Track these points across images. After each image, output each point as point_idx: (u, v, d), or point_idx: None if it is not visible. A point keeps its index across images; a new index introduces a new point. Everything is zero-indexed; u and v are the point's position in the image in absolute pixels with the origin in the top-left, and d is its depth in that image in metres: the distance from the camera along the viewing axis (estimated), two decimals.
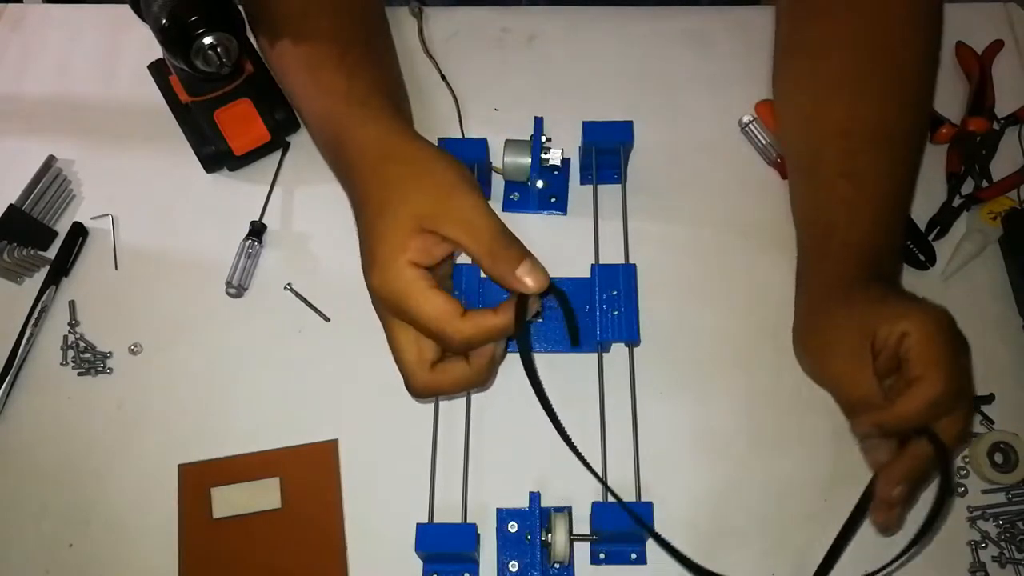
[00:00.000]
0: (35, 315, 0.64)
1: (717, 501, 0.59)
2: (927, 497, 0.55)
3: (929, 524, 0.52)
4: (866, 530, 0.58)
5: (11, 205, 0.66)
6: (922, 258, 0.65)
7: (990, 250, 0.66)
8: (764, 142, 0.69)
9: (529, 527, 0.56)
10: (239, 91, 0.68)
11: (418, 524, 0.55)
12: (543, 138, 0.65)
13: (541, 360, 0.63)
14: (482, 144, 0.66)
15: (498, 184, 0.69)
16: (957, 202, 0.67)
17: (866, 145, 0.60)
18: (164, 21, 0.55)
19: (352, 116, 0.56)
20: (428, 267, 0.51)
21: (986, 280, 0.65)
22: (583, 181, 0.70)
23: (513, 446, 0.60)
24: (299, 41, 0.61)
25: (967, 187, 0.68)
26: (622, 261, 0.63)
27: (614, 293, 0.60)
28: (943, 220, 0.67)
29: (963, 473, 0.59)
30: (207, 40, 0.56)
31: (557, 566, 0.57)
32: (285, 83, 0.64)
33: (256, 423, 0.61)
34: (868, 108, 0.60)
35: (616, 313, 0.60)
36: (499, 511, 0.58)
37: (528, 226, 0.68)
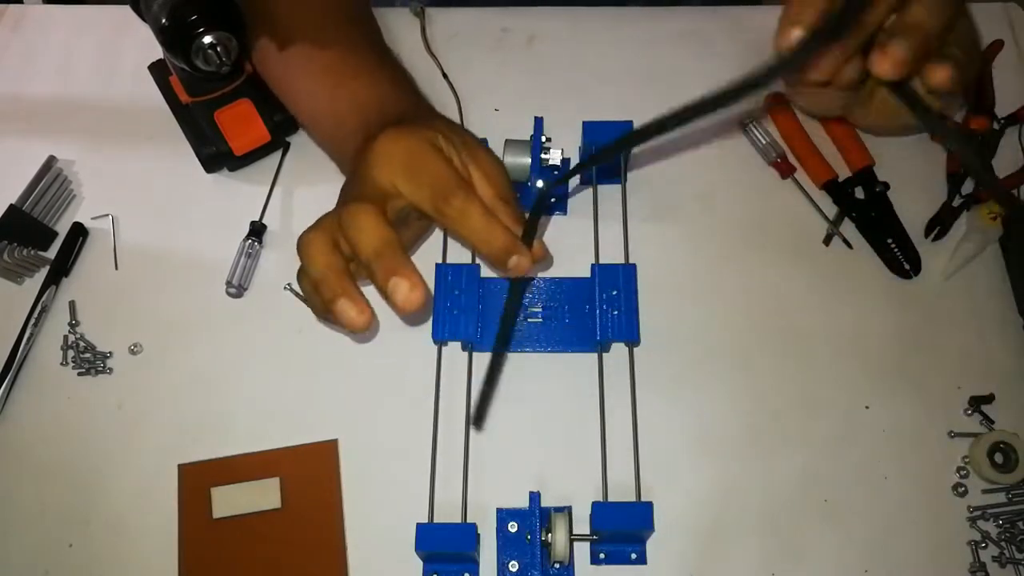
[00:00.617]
0: (35, 315, 0.64)
1: (717, 501, 0.59)
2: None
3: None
4: (867, 531, 0.58)
5: (11, 205, 0.66)
6: (907, 267, 0.65)
7: (990, 250, 0.66)
8: (763, 142, 0.69)
9: (529, 527, 0.56)
10: (239, 91, 0.68)
11: (418, 524, 0.55)
12: (543, 138, 0.64)
13: (541, 360, 0.63)
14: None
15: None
16: (957, 202, 0.67)
17: None
18: (164, 20, 0.55)
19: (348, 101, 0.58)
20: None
21: (986, 280, 0.65)
22: (583, 181, 0.70)
23: (513, 446, 0.60)
24: (297, 43, 0.62)
25: (967, 187, 0.68)
26: (622, 261, 0.63)
27: (614, 293, 0.60)
28: (943, 220, 0.67)
29: (963, 473, 0.59)
30: (207, 39, 0.56)
31: (557, 566, 0.57)
32: (282, 85, 0.64)
33: (256, 423, 0.61)
34: None
35: (616, 313, 0.60)
36: (499, 511, 0.58)
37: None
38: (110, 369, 0.63)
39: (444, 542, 0.54)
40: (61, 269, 0.66)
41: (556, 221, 0.69)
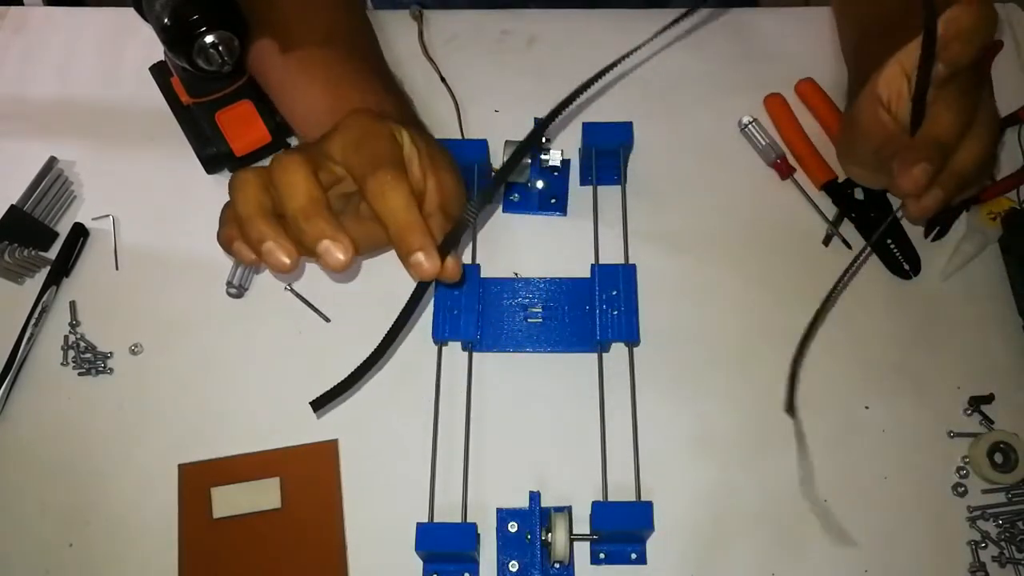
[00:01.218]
0: (36, 315, 0.64)
1: (717, 501, 0.59)
2: None
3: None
4: (867, 531, 0.58)
5: (12, 206, 0.66)
6: (906, 267, 0.65)
7: (990, 250, 0.66)
8: (764, 143, 0.70)
9: (529, 527, 0.56)
10: (240, 92, 0.68)
11: (418, 524, 0.55)
12: (543, 139, 0.65)
13: (541, 360, 0.63)
14: (482, 145, 0.66)
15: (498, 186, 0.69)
16: (956, 202, 0.67)
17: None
18: (166, 20, 0.56)
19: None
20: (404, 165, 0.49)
21: (986, 280, 0.65)
22: (583, 182, 0.70)
23: (513, 446, 0.60)
24: (286, 42, 0.62)
25: None
26: (622, 261, 0.63)
27: (614, 293, 0.61)
28: (943, 220, 0.67)
29: (963, 473, 0.59)
30: (209, 39, 0.56)
31: (557, 566, 0.57)
32: (279, 94, 0.64)
33: (256, 423, 0.61)
34: None
35: (616, 313, 0.60)
36: (499, 511, 0.58)
37: (528, 227, 0.68)
38: (110, 369, 0.63)
39: (444, 542, 0.55)
40: (62, 269, 0.66)
41: (556, 221, 0.69)
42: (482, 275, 0.63)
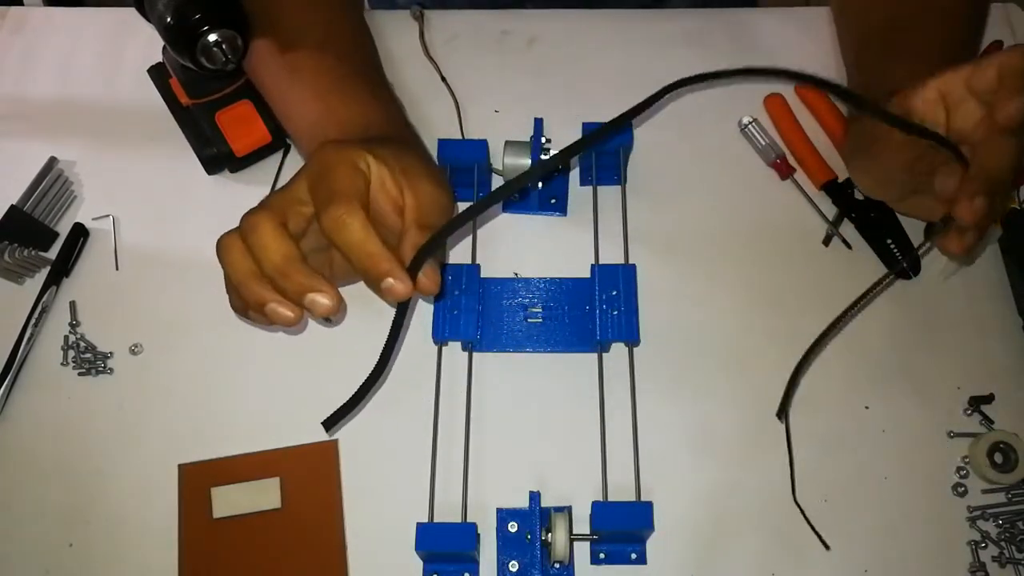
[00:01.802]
0: (36, 315, 0.64)
1: (717, 501, 0.59)
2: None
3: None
4: (867, 531, 0.58)
5: (12, 206, 0.66)
6: (906, 267, 0.65)
7: (990, 250, 0.66)
8: (763, 143, 0.70)
9: (529, 527, 0.56)
10: (240, 92, 0.68)
11: (418, 524, 0.55)
12: (543, 139, 0.65)
13: (541, 360, 0.63)
14: (482, 145, 0.66)
15: (498, 185, 0.69)
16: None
17: (910, 23, 0.62)
18: (169, 19, 0.56)
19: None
20: (367, 188, 0.49)
21: (986, 280, 0.65)
22: (583, 182, 0.70)
23: (513, 446, 0.60)
24: (279, 45, 0.62)
25: None
26: (622, 261, 0.63)
27: (614, 293, 0.61)
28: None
29: (963, 473, 0.59)
30: (212, 37, 0.56)
31: (557, 566, 0.57)
32: (272, 97, 0.64)
33: (256, 423, 0.61)
34: None
35: (616, 313, 0.60)
36: (499, 511, 0.58)
37: (528, 227, 0.68)
38: (110, 369, 0.63)
39: (444, 542, 0.55)
40: (62, 269, 0.66)
41: (556, 221, 0.69)
42: (482, 275, 0.63)
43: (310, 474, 0.60)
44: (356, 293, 0.63)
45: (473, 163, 0.66)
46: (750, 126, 0.70)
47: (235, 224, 0.67)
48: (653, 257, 0.66)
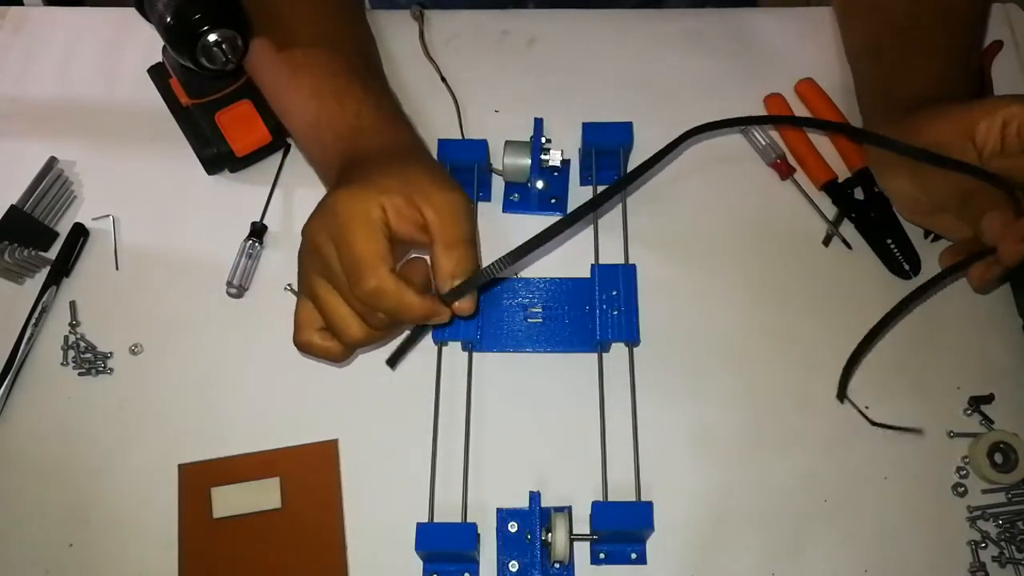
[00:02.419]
0: (36, 315, 0.64)
1: (717, 501, 0.59)
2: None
3: None
4: (867, 531, 0.58)
5: (12, 206, 0.66)
6: (907, 267, 0.65)
7: None
8: (763, 143, 0.70)
9: (529, 527, 0.56)
10: (240, 92, 0.68)
11: (418, 524, 0.55)
12: (543, 139, 0.65)
13: (541, 360, 0.63)
14: (482, 145, 0.66)
15: (498, 185, 0.69)
16: None
17: (926, 20, 0.63)
18: (169, 19, 0.56)
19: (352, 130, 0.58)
20: (388, 228, 0.51)
21: None
22: (583, 182, 0.70)
23: (513, 446, 0.60)
24: (278, 43, 0.62)
25: None
26: (622, 261, 0.63)
27: (614, 293, 0.61)
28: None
29: (963, 473, 0.59)
30: (212, 37, 0.56)
31: (557, 566, 0.57)
32: (266, 86, 0.64)
33: (256, 423, 0.61)
34: None
35: (616, 313, 0.60)
36: (499, 511, 0.58)
37: (528, 227, 0.68)
38: (110, 369, 0.63)
39: (444, 542, 0.55)
40: (62, 269, 0.66)
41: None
42: None
43: (310, 474, 0.60)
44: None
45: (473, 163, 0.66)
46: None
47: (235, 224, 0.68)
48: (653, 257, 0.66)
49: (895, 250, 0.66)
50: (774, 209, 0.68)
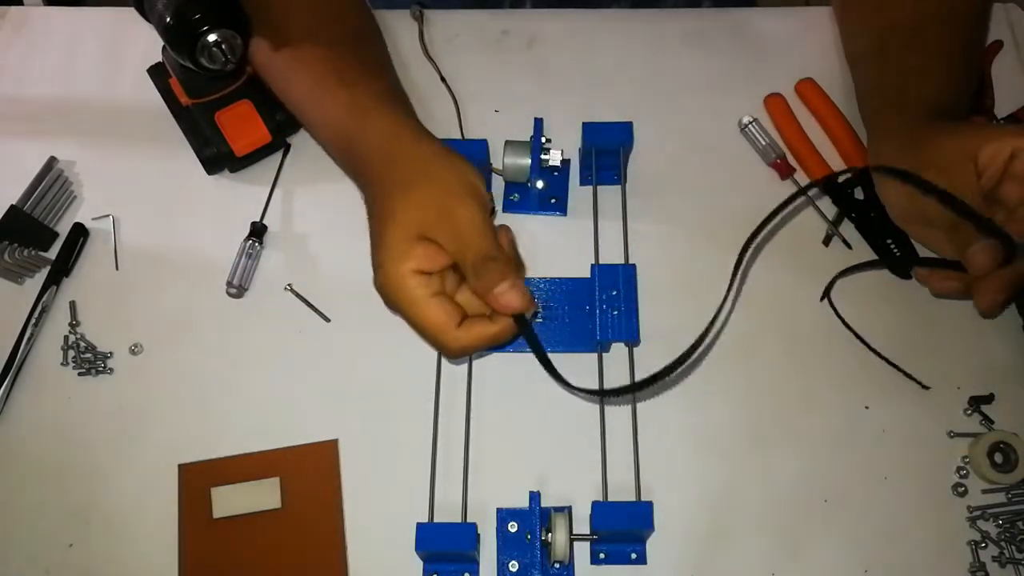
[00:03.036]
0: (36, 315, 0.64)
1: (717, 501, 0.59)
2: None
3: None
4: (867, 531, 0.58)
5: (12, 206, 0.66)
6: (907, 267, 0.65)
7: None
8: (764, 143, 0.70)
9: (529, 527, 0.56)
10: (240, 92, 0.68)
11: (418, 524, 0.55)
12: (543, 139, 0.65)
13: None
14: (482, 145, 0.66)
15: (498, 185, 0.69)
16: None
17: (932, 22, 0.63)
18: (169, 19, 0.56)
19: (355, 122, 0.58)
20: (432, 272, 0.53)
21: None
22: (583, 182, 0.70)
23: (513, 446, 0.60)
24: (289, 45, 0.62)
25: None
26: (622, 261, 0.63)
27: (614, 293, 0.61)
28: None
29: (963, 473, 0.59)
30: (212, 37, 0.56)
31: (557, 566, 0.57)
32: (279, 87, 0.64)
33: (256, 423, 0.61)
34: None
35: (616, 313, 0.60)
36: (499, 511, 0.58)
37: (528, 227, 0.68)
38: (110, 369, 0.63)
39: (444, 542, 0.55)
40: (62, 269, 0.66)
41: (556, 221, 0.69)
42: None
43: (310, 474, 0.60)
44: (355, 292, 0.63)
45: (473, 163, 0.66)
46: (750, 126, 0.70)
47: (235, 223, 0.68)
48: (653, 257, 0.66)
49: (895, 249, 0.66)
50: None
